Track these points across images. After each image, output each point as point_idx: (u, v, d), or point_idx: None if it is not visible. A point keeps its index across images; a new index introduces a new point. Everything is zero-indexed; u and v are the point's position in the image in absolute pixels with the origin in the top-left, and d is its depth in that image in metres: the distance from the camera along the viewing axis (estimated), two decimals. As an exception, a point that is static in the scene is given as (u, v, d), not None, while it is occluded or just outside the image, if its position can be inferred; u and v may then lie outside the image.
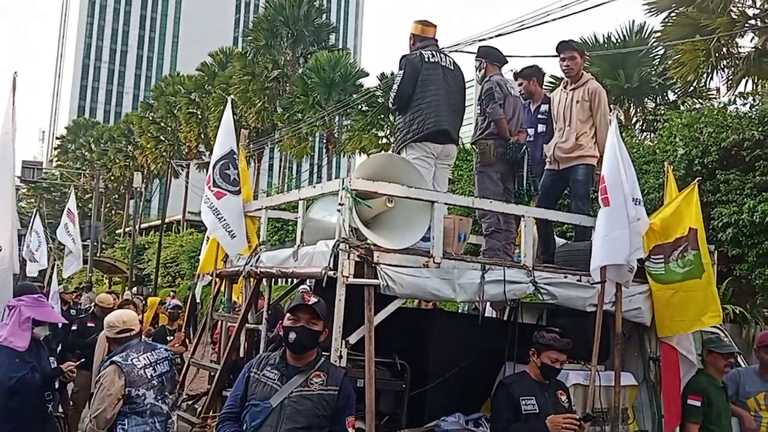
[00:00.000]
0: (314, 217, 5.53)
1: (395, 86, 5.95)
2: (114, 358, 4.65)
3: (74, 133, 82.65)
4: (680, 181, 7.99)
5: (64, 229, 11.88)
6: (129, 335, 4.83)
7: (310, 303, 3.71)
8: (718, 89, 17.40)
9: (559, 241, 6.80)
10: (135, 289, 30.47)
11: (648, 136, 19.58)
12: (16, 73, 6.27)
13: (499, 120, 5.97)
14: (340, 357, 4.39)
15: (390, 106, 6.30)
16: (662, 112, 17.03)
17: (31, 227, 11.82)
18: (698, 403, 5.45)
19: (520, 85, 6.64)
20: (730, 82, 15.90)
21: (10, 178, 6.14)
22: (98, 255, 41.41)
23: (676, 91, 19.31)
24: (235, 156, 6.29)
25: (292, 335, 3.69)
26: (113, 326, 4.87)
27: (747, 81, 15.53)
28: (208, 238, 8.03)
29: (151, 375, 4.74)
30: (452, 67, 6.02)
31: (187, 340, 9.88)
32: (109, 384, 4.53)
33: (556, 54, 6.48)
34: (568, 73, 6.42)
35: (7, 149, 6.08)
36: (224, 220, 6.04)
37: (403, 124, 5.93)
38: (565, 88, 6.47)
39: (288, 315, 3.74)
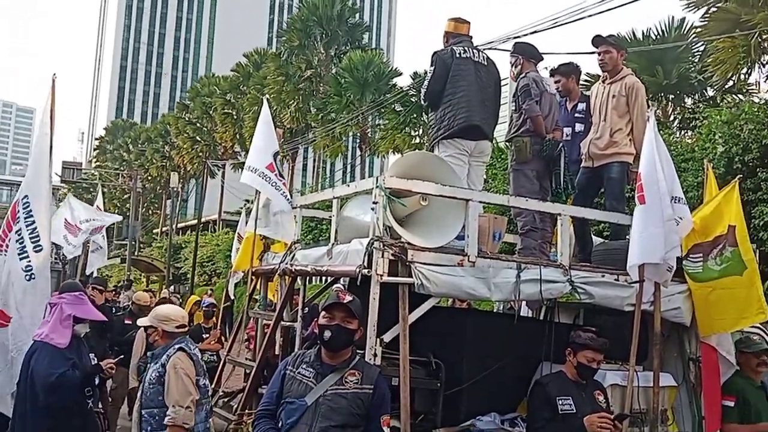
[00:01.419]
0: (348, 216, 5.54)
1: (426, 83, 5.94)
2: (181, 346, 4.64)
3: (112, 134, 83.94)
4: (720, 179, 7.83)
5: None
6: (184, 331, 4.88)
7: (345, 301, 3.71)
8: (757, 83, 17.05)
9: (596, 240, 6.72)
10: (172, 287, 30.87)
11: (686, 134, 19.24)
12: (54, 75, 6.38)
13: (535, 117, 5.91)
14: (375, 355, 4.39)
15: (422, 103, 6.30)
16: (701, 109, 16.72)
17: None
18: (732, 404, 5.39)
19: (557, 82, 6.56)
20: (770, 77, 15.58)
21: (48, 178, 6.25)
22: (136, 254, 42.01)
23: (715, 87, 18.95)
24: None
25: (327, 333, 3.69)
26: (174, 320, 4.84)
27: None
28: (240, 236, 8.13)
29: (205, 369, 4.82)
30: (486, 63, 5.97)
31: (222, 338, 9.97)
32: (188, 368, 4.54)
33: (593, 49, 6.40)
34: (603, 67, 6.35)
35: (45, 149, 6.18)
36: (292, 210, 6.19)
37: (434, 121, 5.91)
38: (603, 82, 6.39)
39: (323, 313, 3.75)
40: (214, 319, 10.46)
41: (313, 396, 3.65)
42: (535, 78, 6.06)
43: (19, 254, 5.85)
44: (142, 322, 5.29)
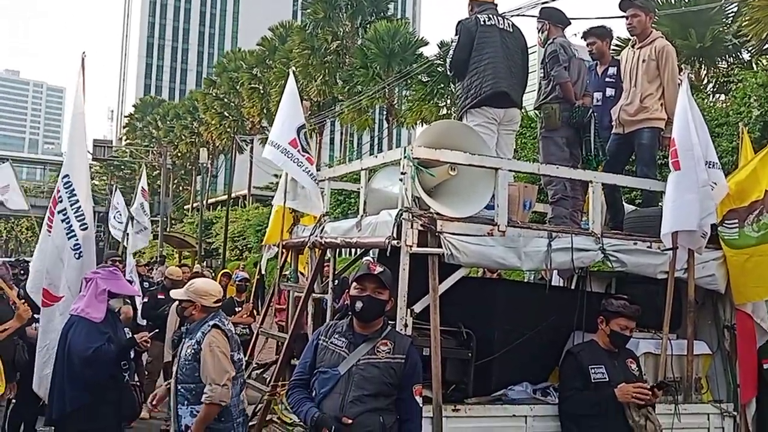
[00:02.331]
0: (376, 187, 5.52)
1: (450, 52, 5.87)
2: (215, 322, 4.63)
3: (141, 111, 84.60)
4: (755, 143, 7.65)
5: (140, 208, 12.30)
6: (219, 305, 4.85)
7: (375, 272, 3.72)
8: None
9: (628, 207, 6.63)
10: (204, 262, 31.27)
11: (720, 98, 18.84)
12: (84, 53, 6.41)
13: (564, 83, 5.80)
14: (406, 326, 4.40)
15: (448, 73, 6.23)
16: (736, 72, 16.32)
17: (111, 204, 12.21)
18: None
19: (591, 44, 6.42)
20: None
21: (85, 157, 6.30)
22: (168, 230, 42.53)
23: (750, 49, 18.49)
24: None
25: (359, 304, 3.71)
26: (213, 295, 4.79)
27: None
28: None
29: (239, 343, 4.84)
30: (511, 30, 5.87)
31: (254, 311, 10.09)
32: (223, 345, 4.55)
33: (622, 13, 6.26)
34: (632, 31, 6.23)
35: (80, 127, 6.23)
36: (318, 185, 6.14)
37: (461, 91, 5.84)
38: (632, 47, 6.27)
39: (354, 284, 3.76)
40: (246, 293, 10.57)
41: (345, 365, 3.69)
42: (563, 43, 5.95)
43: (66, 234, 5.92)
44: (177, 294, 5.26)
